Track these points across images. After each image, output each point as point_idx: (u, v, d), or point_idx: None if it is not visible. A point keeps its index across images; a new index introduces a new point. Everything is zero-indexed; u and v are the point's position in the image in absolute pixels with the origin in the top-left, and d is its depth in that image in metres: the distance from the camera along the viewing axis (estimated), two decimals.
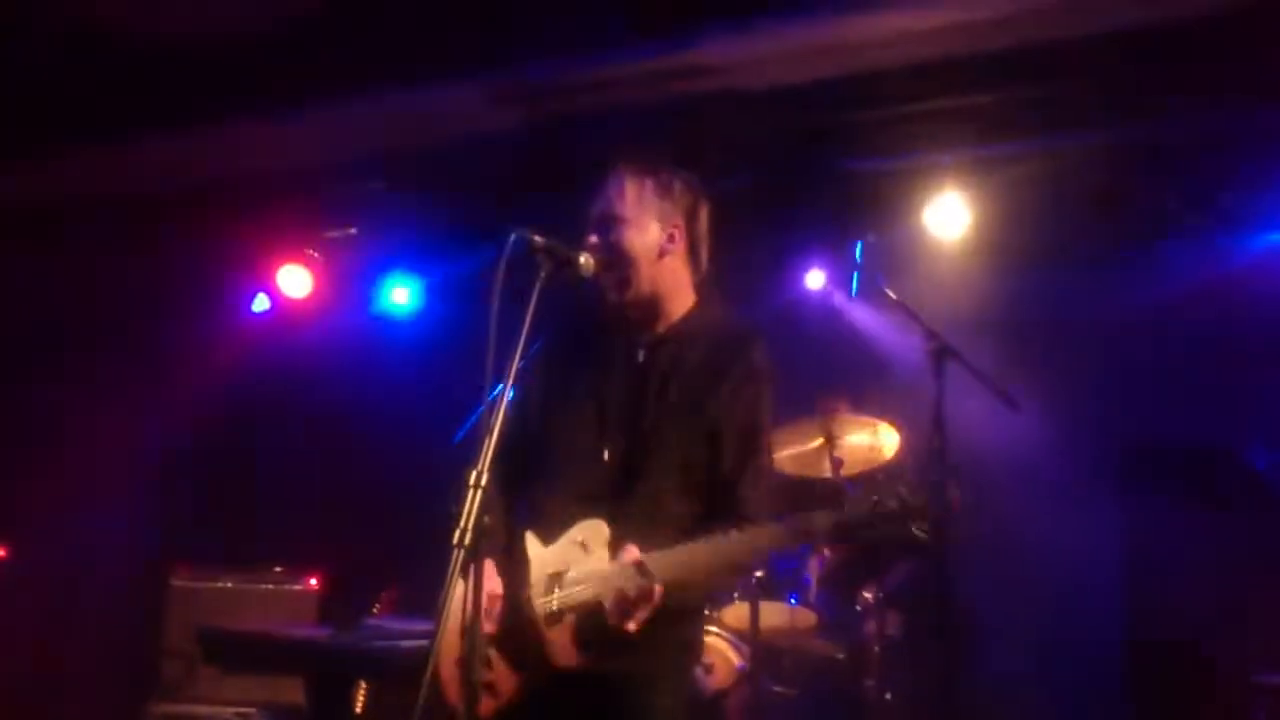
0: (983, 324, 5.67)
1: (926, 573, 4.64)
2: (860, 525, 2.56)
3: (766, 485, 2.89)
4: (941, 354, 4.47)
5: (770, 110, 5.44)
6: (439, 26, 5.43)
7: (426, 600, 2.54)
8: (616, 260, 2.89)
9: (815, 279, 6.13)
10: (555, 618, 2.76)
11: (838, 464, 4.98)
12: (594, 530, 2.77)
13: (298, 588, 5.73)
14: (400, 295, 7.05)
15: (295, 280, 6.86)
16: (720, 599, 5.15)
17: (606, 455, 2.84)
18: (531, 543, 2.88)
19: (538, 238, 2.75)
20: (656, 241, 2.92)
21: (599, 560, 2.73)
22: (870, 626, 4.99)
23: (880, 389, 5.28)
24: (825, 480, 5.05)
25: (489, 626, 2.76)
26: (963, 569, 4.99)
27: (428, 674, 2.40)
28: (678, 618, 2.77)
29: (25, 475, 6.13)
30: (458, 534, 2.46)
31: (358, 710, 4.74)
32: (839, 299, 5.93)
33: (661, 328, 2.95)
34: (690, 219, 2.99)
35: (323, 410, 6.90)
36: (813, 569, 5.21)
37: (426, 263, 6.82)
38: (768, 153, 5.68)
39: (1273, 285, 5.32)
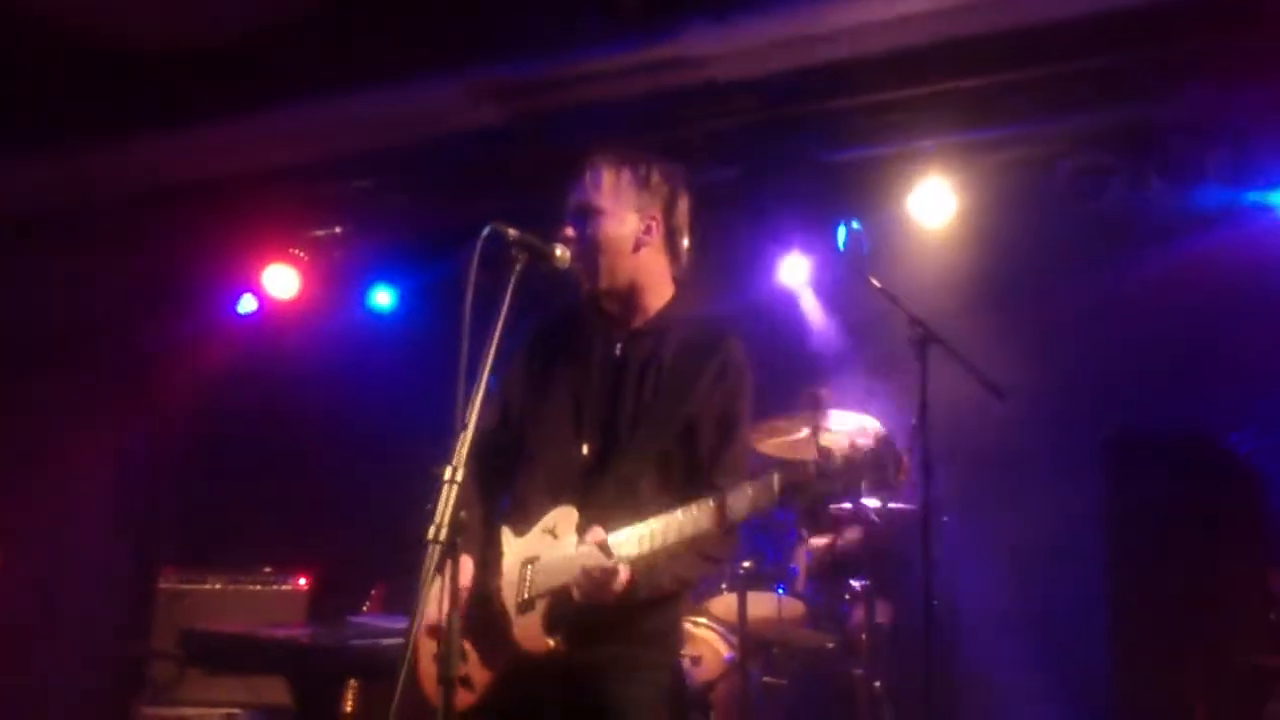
0: (966, 310, 5.67)
1: (912, 560, 4.62)
2: (808, 481, 2.55)
3: (742, 473, 2.86)
4: (925, 341, 4.47)
5: (750, 101, 5.44)
6: (419, 24, 5.42)
7: (414, 597, 2.53)
8: (592, 252, 2.87)
9: (796, 269, 6.11)
10: (527, 605, 2.76)
11: (825, 453, 4.95)
12: (563, 516, 2.78)
13: (286, 588, 5.73)
14: (383, 297, 7.07)
15: (281, 280, 6.85)
16: (700, 588, 5.15)
17: (585, 449, 2.84)
18: (506, 535, 2.88)
19: (512, 231, 2.74)
20: (633, 233, 2.90)
21: (567, 545, 2.73)
22: (858, 616, 4.99)
23: (862, 379, 5.27)
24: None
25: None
26: (950, 559, 5.00)
27: (403, 670, 2.39)
28: (650, 605, 2.76)
29: (10, 478, 6.10)
30: (432, 530, 2.45)
31: (348, 709, 4.74)
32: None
33: (639, 321, 2.94)
34: (668, 210, 2.97)
35: (310, 410, 6.88)
36: (800, 559, 5.20)
37: (411, 261, 6.80)
38: (749, 144, 5.67)
39: (1258, 270, 5.31)
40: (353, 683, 4.71)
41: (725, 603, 5.06)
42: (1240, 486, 4.86)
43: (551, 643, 2.71)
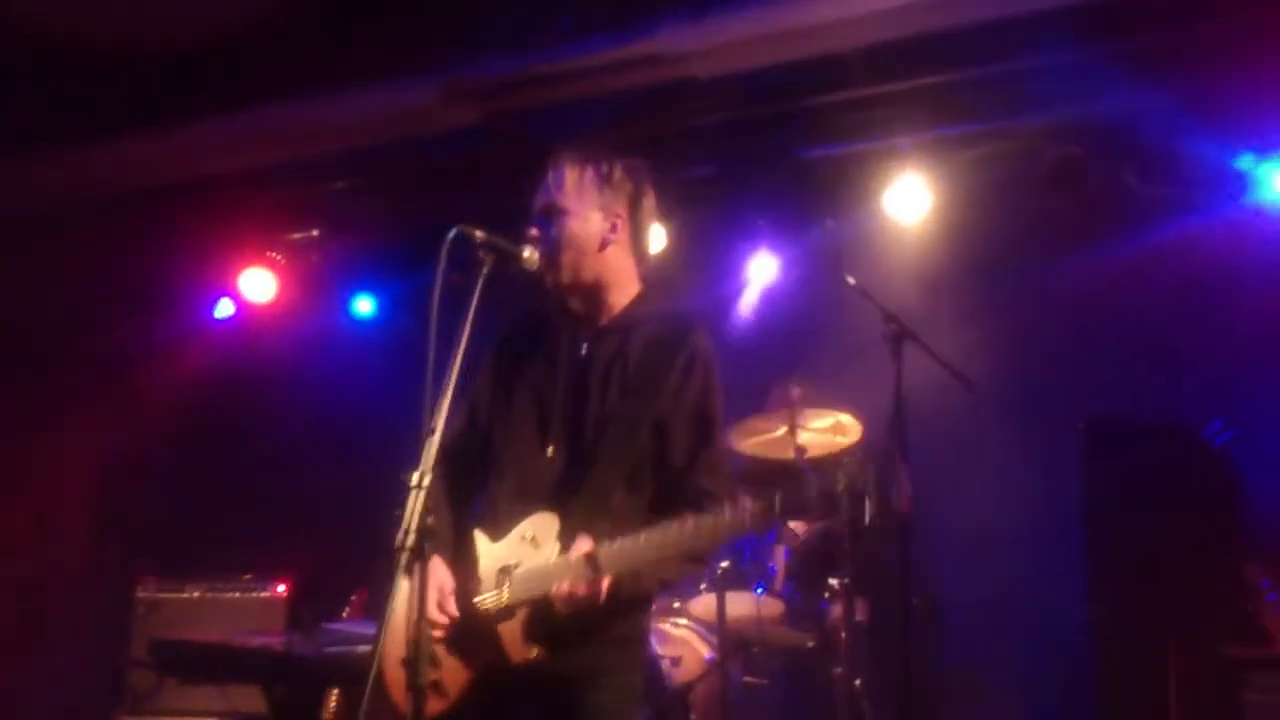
0: (942, 305, 5.68)
1: (891, 558, 4.62)
2: (794, 509, 2.53)
3: (724, 472, 2.87)
4: (900, 337, 4.47)
5: (726, 98, 5.43)
6: (394, 25, 5.41)
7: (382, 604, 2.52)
8: (557, 252, 2.86)
9: (766, 265, 6.11)
10: (506, 613, 2.73)
11: (800, 451, 4.96)
12: (544, 524, 2.75)
13: (265, 595, 5.69)
14: (364, 305, 7.06)
15: (259, 284, 6.81)
16: (678, 589, 5.14)
17: (551, 451, 2.82)
18: (480, 539, 2.86)
19: (478, 232, 2.73)
20: (599, 232, 2.88)
21: (549, 554, 2.71)
22: (837, 614, 4.98)
23: (838, 375, 5.27)
24: (789, 462, 5.03)
25: (444, 621, 2.74)
26: (927, 552, 5.00)
27: (371, 676, 2.38)
28: (628, 610, 2.76)
29: None
30: (400, 535, 2.44)
31: (328, 716, 4.71)
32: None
33: (604, 320, 2.92)
34: (633, 206, 2.94)
35: (289, 414, 6.86)
36: (778, 558, 5.19)
37: (389, 263, 6.78)
38: (725, 141, 5.66)
39: (1233, 261, 5.32)
40: (334, 690, 4.70)
41: (704, 603, 5.05)
42: (1217, 477, 4.87)
43: (532, 653, 2.69)
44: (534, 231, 2.86)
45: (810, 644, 5.09)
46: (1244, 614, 4.63)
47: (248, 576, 5.75)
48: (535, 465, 2.84)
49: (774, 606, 5.12)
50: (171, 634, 5.07)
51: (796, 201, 5.78)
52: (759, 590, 5.05)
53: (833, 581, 5.04)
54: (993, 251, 5.77)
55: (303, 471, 6.63)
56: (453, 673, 2.77)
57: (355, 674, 3.53)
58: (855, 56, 5.13)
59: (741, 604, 5.00)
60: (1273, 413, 5.00)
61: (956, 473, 5.44)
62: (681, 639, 4.98)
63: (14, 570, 6.24)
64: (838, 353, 5.55)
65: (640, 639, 2.90)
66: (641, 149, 5.61)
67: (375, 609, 5.32)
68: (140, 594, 5.72)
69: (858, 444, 5.08)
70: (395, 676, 2.71)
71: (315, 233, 6.80)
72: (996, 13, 4.85)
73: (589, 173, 2.91)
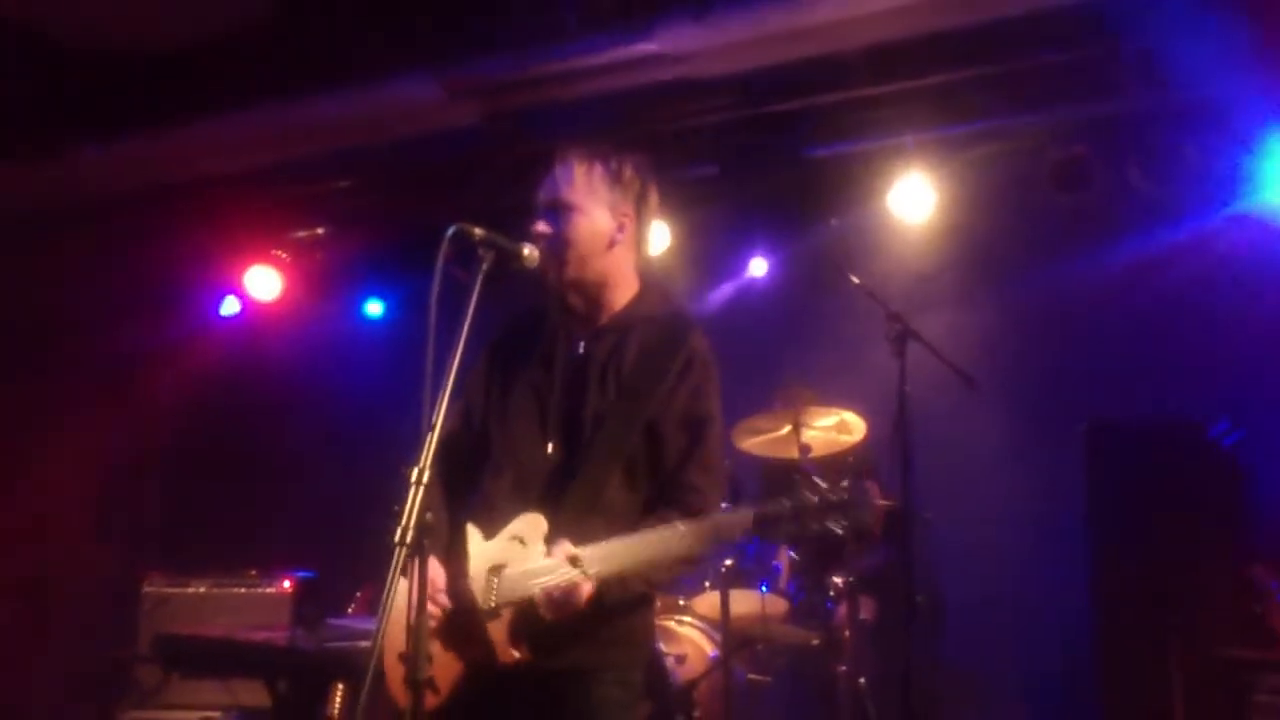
0: (946, 304, 5.68)
1: (895, 557, 4.63)
2: (781, 519, 2.53)
3: (718, 471, 2.86)
4: (903, 336, 4.47)
5: (729, 98, 5.43)
6: (396, 24, 5.42)
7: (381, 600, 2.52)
8: (564, 249, 2.83)
9: (766, 265, 6.11)
10: (492, 614, 2.73)
11: (805, 450, 4.96)
12: (531, 524, 2.74)
13: (271, 591, 5.69)
14: (374, 308, 7.10)
15: (263, 282, 6.84)
16: (683, 587, 5.15)
17: (550, 449, 2.82)
18: (473, 536, 2.84)
19: (478, 230, 2.71)
20: (606, 231, 2.86)
21: (534, 555, 2.70)
22: (841, 612, 4.98)
23: (842, 374, 5.27)
24: (793, 463, 5.04)
25: (435, 614, 2.74)
26: (932, 551, 5.00)
27: (370, 673, 2.38)
28: (618, 611, 2.74)
29: None
30: (399, 531, 2.44)
31: (334, 712, 4.72)
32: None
33: (603, 318, 2.91)
34: (640, 206, 2.93)
35: (294, 411, 6.88)
36: (783, 556, 5.19)
37: (391, 260, 6.79)
38: (728, 141, 5.66)
39: (1239, 261, 5.31)
40: (338, 685, 4.71)
41: (709, 600, 5.05)
42: (1221, 478, 4.85)
43: (517, 654, 2.68)
44: (542, 226, 2.84)
45: (815, 642, 5.09)
46: (1251, 616, 4.61)
47: (253, 573, 5.76)
48: (534, 462, 2.83)
49: (778, 604, 5.12)
50: (176, 629, 5.10)
51: (800, 201, 5.78)
52: (763, 588, 5.05)
53: (837, 580, 5.04)
54: (997, 250, 5.77)
55: (307, 467, 6.65)
56: (444, 669, 2.76)
57: (359, 669, 3.54)
58: (858, 56, 5.12)
59: (746, 602, 5.00)
60: None
61: (961, 472, 5.44)
62: (686, 636, 4.99)
63: (21, 566, 6.27)
64: (842, 352, 5.55)
65: (638, 638, 2.87)
66: (644, 148, 5.65)
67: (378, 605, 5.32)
68: (146, 589, 5.74)
69: (862, 443, 5.08)
70: (394, 671, 2.71)
71: (319, 231, 6.83)
72: (1001, 11, 4.84)
73: (598, 170, 2.88)
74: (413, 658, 2.44)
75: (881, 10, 4.83)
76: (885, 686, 4.81)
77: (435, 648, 2.75)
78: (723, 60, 5.18)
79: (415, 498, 2.44)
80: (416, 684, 2.43)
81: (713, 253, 6.20)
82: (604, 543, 2.63)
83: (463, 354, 2.60)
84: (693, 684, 4.77)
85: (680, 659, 4.84)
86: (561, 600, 2.60)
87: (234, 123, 5.84)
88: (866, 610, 5.06)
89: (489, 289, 2.69)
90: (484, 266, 2.70)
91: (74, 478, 6.61)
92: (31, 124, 5.82)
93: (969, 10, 4.88)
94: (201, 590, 5.72)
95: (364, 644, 3.64)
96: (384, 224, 6.61)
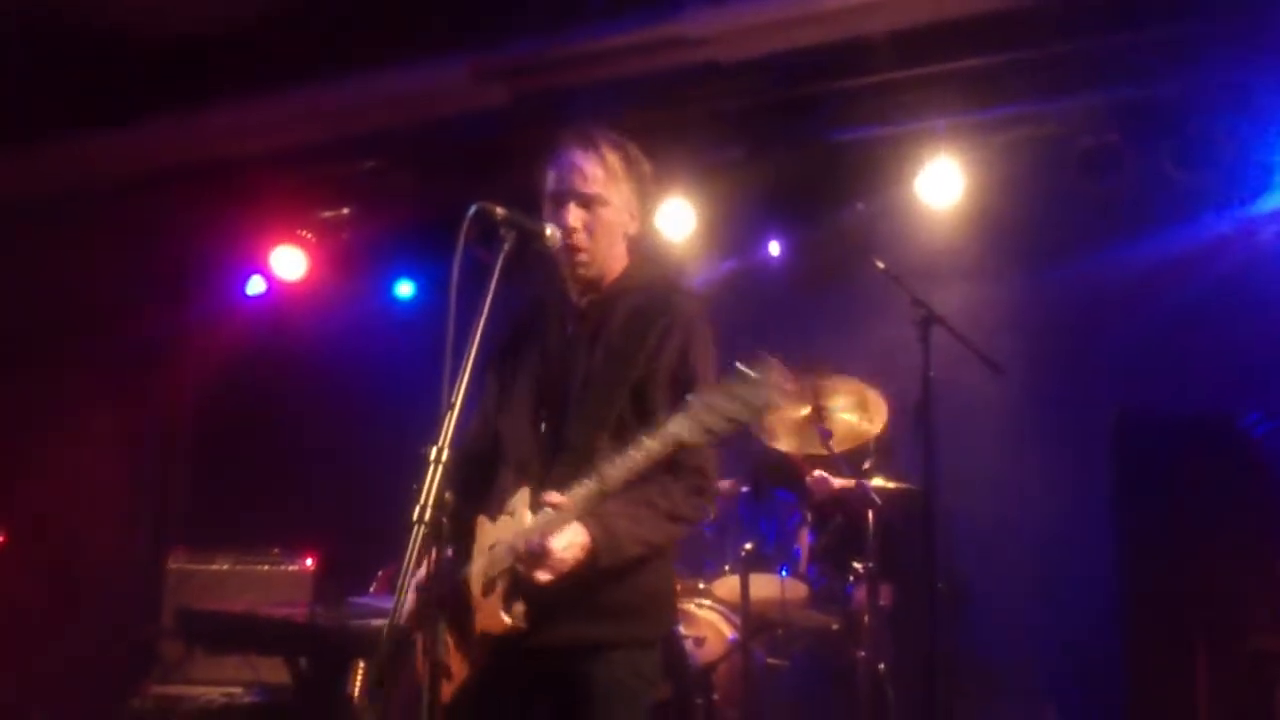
0: (974, 290, 5.64)
1: (916, 543, 4.60)
2: (698, 419, 2.46)
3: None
4: (928, 322, 4.44)
5: (756, 81, 5.40)
6: (423, 5, 5.41)
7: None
8: (594, 242, 2.86)
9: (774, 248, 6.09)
10: (489, 587, 2.73)
11: (826, 435, 4.93)
12: (521, 497, 2.75)
13: (293, 568, 5.74)
14: (404, 288, 7.12)
15: (289, 262, 6.86)
16: (706, 570, 5.14)
17: (542, 427, 2.83)
18: (482, 524, 2.86)
19: (500, 209, 2.73)
20: (623, 223, 2.92)
21: (522, 522, 2.70)
22: (861, 597, 4.96)
23: (865, 359, 5.24)
24: (812, 457, 5.03)
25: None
26: (953, 537, 4.98)
27: (384, 651, 2.38)
28: (617, 576, 2.70)
29: (23, 461, 6.14)
30: (418, 510, 2.45)
31: (355, 689, 4.75)
32: None
33: (593, 296, 2.94)
34: (649, 198, 2.99)
35: (320, 390, 6.90)
36: (803, 541, 5.18)
37: (419, 242, 6.80)
38: (754, 124, 5.63)
39: (1273, 251, 5.24)
40: (360, 664, 4.73)
41: (728, 584, 5.05)
42: (1251, 470, 4.79)
43: (508, 619, 2.66)
44: (574, 218, 2.84)
45: (834, 627, 5.08)
46: (1278, 608, 4.57)
47: (276, 550, 5.81)
48: (528, 444, 2.85)
49: (798, 589, 5.11)
50: (199, 605, 5.15)
51: (826, 185, 5.74)
52: (783, 573, 5.04)
53: (857, 565, 5.02)
54: (1025, 237, 5.72)
55: (332, 447, 6.68)
56: (456, 655, 2.78)
57: (374, 646, 3.56)
58: (886, 39, 5.08)
59: (766, 586, 5.00)
60: None
61: (984, 458, 5.41)
62: (705, 619, 4.99)
63: (50, 544, 6.33)
64: (866, 338, 5.52)
65: (647, 611, 2.82)
66: (670, 131, 5.64)
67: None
68: (171, 566, 5.80)
69: (884, 429, 5.06)
70: (421, 658, 2.73)
71: (345, 211, 6.85)
72: None
73: (620, 161, 2.91)
74: (430, 638, 2.46)
75: None
76: (904, 672, 4.80)
77: (446, 637, 2.75)
78: (750, 42, 5.14)
79: (434, 477, 2.45)
80: (435, 663, 2.45)
81: (737, 236, 6.17)
82: (576, 486, 2.59)
83: (483, 334, 2.62)
84: (711, 667, 4.78)
85: (699, 642, 4.85)
86: (540, 547, 2.57)
87: (260, 104, 5.86)
88: (886, 596, 5.04)
89: (511, 269, 2.70)
90: (506, 246, 2.73)
91: (102, 459, 6.67)
92: (58, 107, 5.84)
93: None
94: (224, 567, 5.77)
95: (382, 622, 3.67)
96: (410, 205, 6.61)
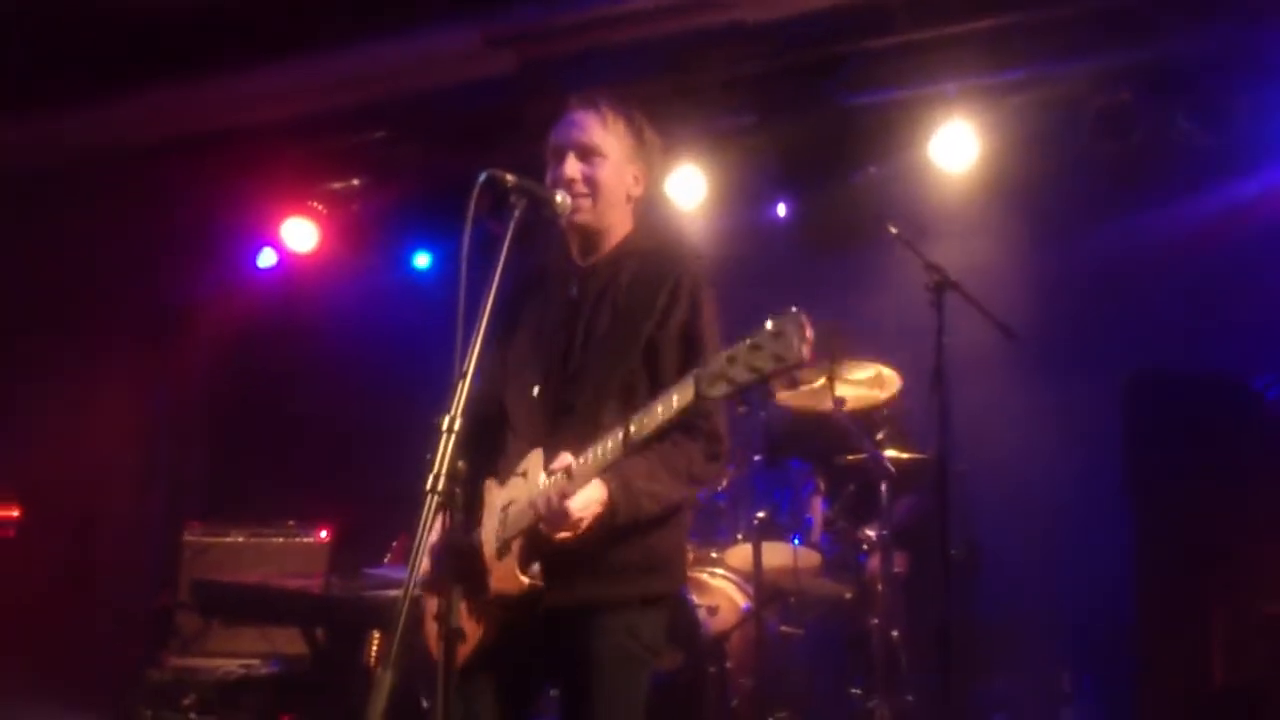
0: (988, 254, 5.59)
1: (930, 508, 4.59)
2: (718, 374, 2.39)
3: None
4: (942, 287, 4.41)
5: (775, 43, 5.35)
6: None
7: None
8: (594, 193, 2.86)
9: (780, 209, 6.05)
10: (504, 549, 2.74)
11: (839, 403, 4.92)
12: (534, 459, 2.75)
13: (308, 540, 5.75)
14: (422, 259, 7.09)
15: (300, 233, 6.85)
16: (719, 538, 5.14)
17: (547, 390, 2.83)
18: (490, 487, 2.87)
19: (510, 176, 2.74)
20: (625, 184, 2.92)
21: (536, 483, 2.70)
22: (874, 565, 4.96)
23: (878, 325, 5.22)
24: (825, 414, 5.01)
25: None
26: (968, 504, 4.96)
27: (400, 620, 2.38)
28: (630, 535, 2.70)
29: (38, 435, 6.16)
30: (430, 479, 2.45)
31: (371, 660, 4.77)
32: None
33: (595, 258, 2.93)
34: (654, 167, 2.99)
35: (332, 362, 6.90)
36: (816, 510, 5.17)
37: (429, 211, 6.77)
38: (768, 88, 5.58)
39: None
40: (375, 634, 4.75)
41: (741, 553, 5.05)
42: (1265, 431, 4.76)
43: (526, 580, 2.67)
44: (572, 169, 2.84)
45: (847, 595, 5.08)
46: None
47: (291, 522, 5.82)
48: (529, 405, 2.85)
49: (811, 557, 5.11)
50: (214, 577, 5.17)
51: (839, 150, 5.69)
52: (796, 541, 5.04)
53: (870, 533, 5.01)
54: (1040, 200, 5.67)
55: (346, 418, 6.69)
56: (469, 619, 2.78)
57: (388, 616, 3.57)
58: (899, 1, 5.03)
59: (779, 554, 4.99)
60: None
61: (998, 424, 5.37)
62: (718, 588, 4.99)
63: (68, 514, 6.36)
64: (879, 302, 5.49)
65: (659, 571, 2.81)
66: (683, 96, 5.59)
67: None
68: (186, 539, 5.82)
69: (897, 395, 5.04)
70: (431, 629, 2.74)
71: (356, 182, 6.83)
72: None
73: (623, 125, 2.91)
74: (444, 605, 2.46)
75: None
76: (918, 640, 4.80)
77: (462, 602, 2.75)
78: (762, 6, 5.10)
79: (446, 446, 2.45)
80: (450, 630, 2.45)
81: (749, 201, 6.13)
82: (592, 447, 2.60)
83: (494, 302, 2.61)
84: (724, 635, 4.79)
85: (712, 610, 4.85)
86: (558, 508, 2.58)
87: (269, 73, 5.82)
88: (899, 564, 5.04)
89: (521, 237, 2.69)
90: (516, 214, 2.73)
91: (117, 433, 6.69)
92: (67, 76, 5.81)
93: None
94: (240, 540, 5.79)
95: (394, 592, 3.67)
96: (421, 175, 6.59)
